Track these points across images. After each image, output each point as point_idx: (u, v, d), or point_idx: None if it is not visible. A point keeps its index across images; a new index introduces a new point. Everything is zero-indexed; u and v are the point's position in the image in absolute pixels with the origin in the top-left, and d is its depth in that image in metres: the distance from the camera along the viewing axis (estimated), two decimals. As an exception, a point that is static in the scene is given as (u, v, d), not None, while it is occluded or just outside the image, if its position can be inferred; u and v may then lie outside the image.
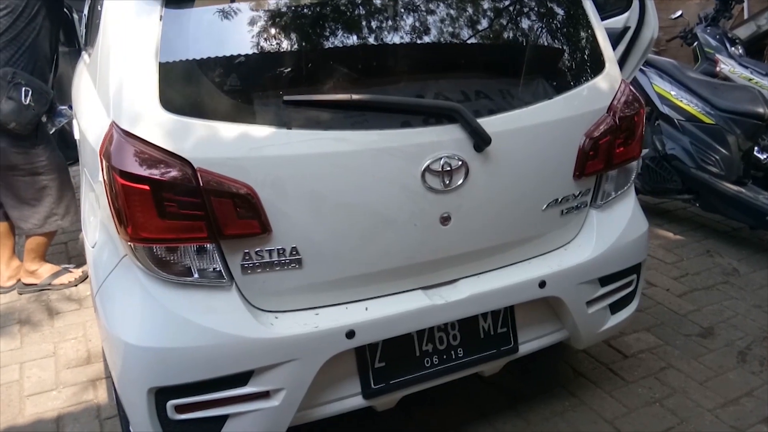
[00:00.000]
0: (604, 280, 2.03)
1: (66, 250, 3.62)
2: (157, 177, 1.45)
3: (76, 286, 3.19)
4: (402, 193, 1.65)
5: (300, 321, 1.66)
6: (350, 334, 1.67)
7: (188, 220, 1.50)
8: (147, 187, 1.45)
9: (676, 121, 3.60)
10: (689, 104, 3.56)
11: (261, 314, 1.63)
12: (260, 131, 1.52)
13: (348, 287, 1.72)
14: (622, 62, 2.70)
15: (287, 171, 1.54)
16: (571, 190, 1.92)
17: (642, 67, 3.67)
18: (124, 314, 1.61)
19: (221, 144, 1.50)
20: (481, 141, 1.67)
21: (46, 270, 3.16)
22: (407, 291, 1.80)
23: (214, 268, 1.57)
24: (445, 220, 1.73)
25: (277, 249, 1.59)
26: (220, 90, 1.55)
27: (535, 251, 1.97)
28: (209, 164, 1.49)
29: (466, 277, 1.87)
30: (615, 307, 2.13)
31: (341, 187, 1.59)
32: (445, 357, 1.85)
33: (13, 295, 3.13)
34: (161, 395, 1.57)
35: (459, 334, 1.87)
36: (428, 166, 1.64)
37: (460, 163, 1.68)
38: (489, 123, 1.69)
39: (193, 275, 1.56)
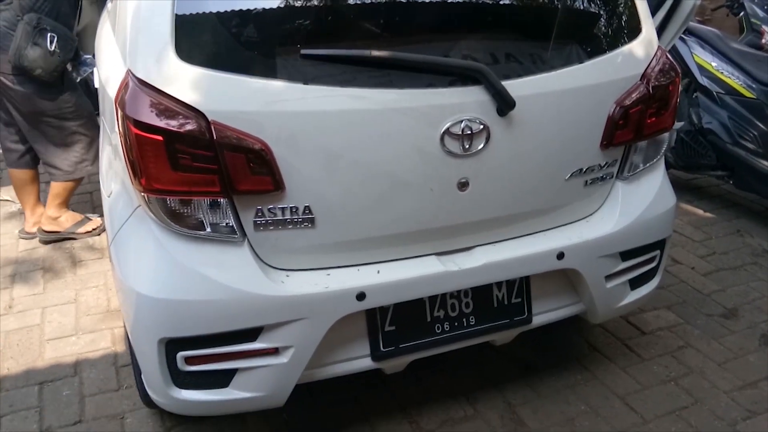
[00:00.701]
0: (625, 255, 1.97)
1: (91, 199, 3.67)
2: (171, 128, 1.43)
3: (99, 235, 3.25)
4: (419, 156, 1.61)
5: (311, 280, 1.65)
6: (361, 296, 1.65)
7: (201, 173, 1.48)
8: (160, 138, 1.44)
9: (714, 93, 3.45)
10: (730, 77, 3.39)
11: (272, 272, 1.63)
12: (276, 85, 1.48)
13: (360, 249, 1.70)
14: (661, 29, 2.57)
15: (303, 127, 1.50)
16: (597, 160, 1.85)
17: (682, 36, 3.50)
18: (137, 264, 1.62)
19: (236, 97, 1.47)
20: (504, 104, 1.61)
21: (68, 218, 3.21)
22: (421, 256, 1.77)
23: (226, 224, 1.56)
24: (462, 185, 1.69)
25: (290, 207, 1.57)
26: (236, 42, 1.51)
27: (555, 222, 1.92)
28: (223, 117, 1.46)
29: (483, 245, 1.84)
30: (635, 283, 2.07)
31: (357, 147, 1.56)
32: (456, 324, 1.83)
33: (37, 242, 3.20)
34: (171, 346, 1.59)
35: (472, 302, 1.84)
36: (448, 128, 1.59)
37: (481, 127, 1.62)
38: (514, 86, 1.63)
39: (205, 229, 1.55)
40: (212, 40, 1.51)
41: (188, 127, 1.44)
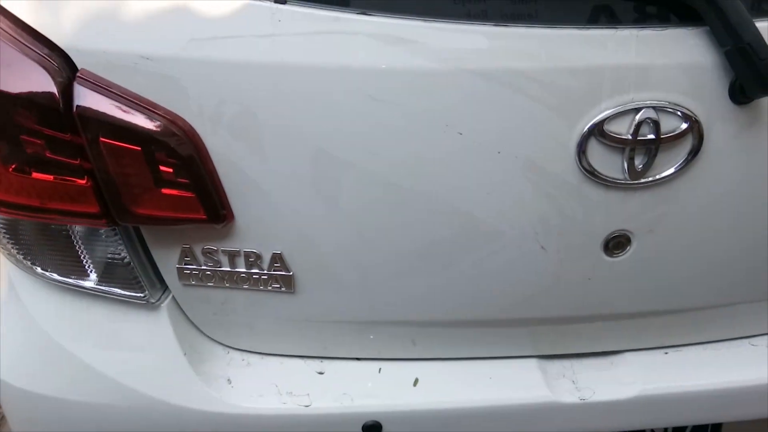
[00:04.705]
0: None
1: None
2: (-3, 81, 0.69)
3: None
4: (525, 178, 0.73)
5: (281, 384, 0.87)
6: (372, 430, 0.86)
7: (56, 175, 0.73)
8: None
9: None
10: None
11: (210, 359, 0.88)
12: (216, 4, 0.67)
13: (380, 337, 0.89)
14: None
15: (272, 101, 0.69)
16: None
17: None
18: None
19: (132, 25, 0.68)
20: (756, 79, 0.66)
21: None
22: (507, 358, 0.92)
23: (125, 272, 0.82)
24: (617, 246, 0.79)
25: (245, 253, 0.79)
26: None
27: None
28: (102, 65, 0.69)
29: (638, 350, 0.94)
30: None
31: (386, 150, 0.71)
32: None
33: None
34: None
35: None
36: (600, 124, 0.69)
37: (684, 126, 0.70)
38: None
39: (88, 277, 0.83)
40: None
41: (31, 82, 0.69)
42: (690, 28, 0.68)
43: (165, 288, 0.85)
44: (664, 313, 0.89)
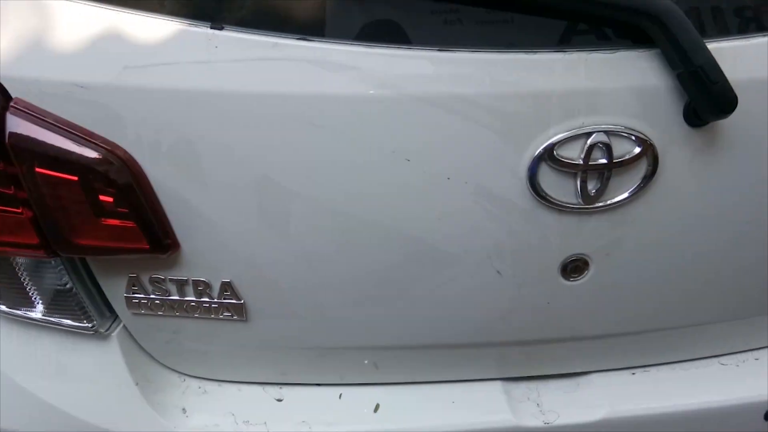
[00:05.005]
0: None
1: None
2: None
3: None
4: (476, 203, 0.71)
5: (238, 413, 0.86)
6: (333, 461, 0.84)
7: (-6, 208, 0.71)
8: None
9: None
10: None
11: (165, 388, 0.86)
12: (150, 31, 0.65)
13: (344, 362, 0.87)
14: None
15: (211, 129, 0.67)
16: None
17: None
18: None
19: (66, 53, 0.66)
20: (712, 101, 0.64)
21: None
22: (469, 381, 0.90)
23: (71, 302, 0.79)
24: (574, 270, 0.77)
25: (194, 281, 0.77)
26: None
27: (758, 342, 0.94)
28: (36, 94, 0.67)
29: (606, 371, 0.92)
30: None
31: (333, 178, 0.69)
32: None
33: None
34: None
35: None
36: (551, 148, 0.67)
37: (638, 149, 0.68)
38: (738, 57, 0.65)
39: (35, 307, 0.81)
40: None
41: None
42: (641, 50, 0.66)
43: (116, 317, 0.83)
44: (629, 334, 0.87)
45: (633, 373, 0.92)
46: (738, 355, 0.95)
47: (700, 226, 0.75)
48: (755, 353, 0.95)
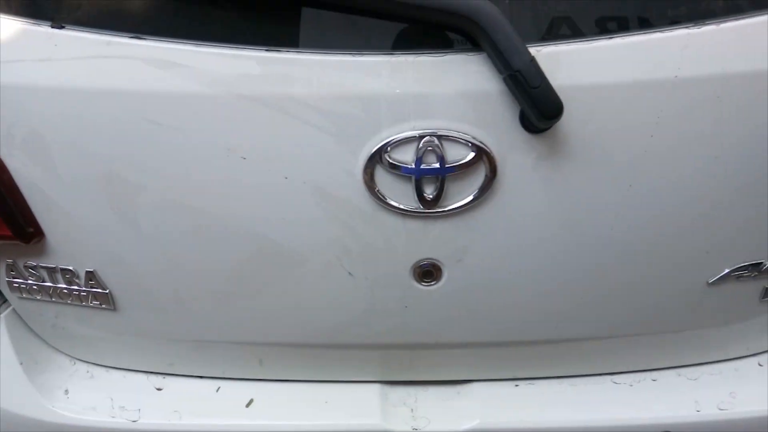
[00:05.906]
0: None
1: None
2: None
3: None
4: (315, 206, 0.71)
5: (116, 398, 0.89)
6: (200, 449, 0.86)
7: None
8: None
9: None
10: None
11: (51, 370, 0.90)
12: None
13: (226, 356, 0.89)
14: None
15: (56, 123, 0.70)
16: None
17: None
18: None
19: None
20: (538, 106, 0.62)
21: None
22: (348, 383, 0.90)
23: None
24: (426, 274, 0.76)
25: (61, 269, 0.81)
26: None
27: (655, 361, 0.89)
28: None
29: (489, 381, 0.90)
30: None
31: (176, 174, 0.71)
32: None
33: None
34: None
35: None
36: (381, 151, 0.67)
37: (472, 154, 0.67)
38: (564, 63, 0.64)
39: None
40: None
41: None
42: (470, 54, 0.65)
43: (5, 300, 0.88)
44: (507, 344, 0.85)
45: (516, 385, 0.90)
46: (635, 375, 0.91)
47: (550, 232, 0.72)
48: (653, 374, 0.91)
